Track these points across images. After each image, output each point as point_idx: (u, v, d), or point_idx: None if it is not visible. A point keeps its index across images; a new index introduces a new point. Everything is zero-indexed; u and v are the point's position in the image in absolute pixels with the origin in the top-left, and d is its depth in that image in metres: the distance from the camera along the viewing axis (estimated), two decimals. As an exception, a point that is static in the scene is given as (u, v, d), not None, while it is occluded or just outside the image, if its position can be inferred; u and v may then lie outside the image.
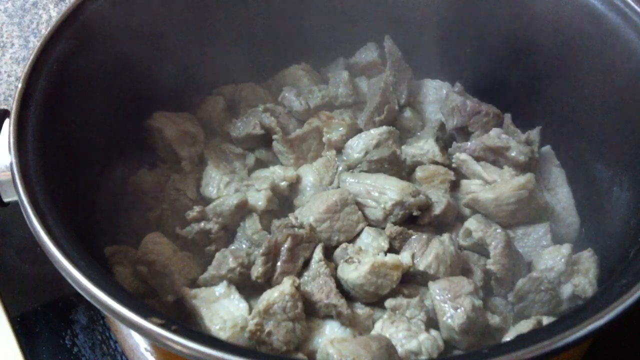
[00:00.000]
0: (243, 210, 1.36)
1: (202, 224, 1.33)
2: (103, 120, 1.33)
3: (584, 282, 1.24)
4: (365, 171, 1.42)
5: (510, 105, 1.55)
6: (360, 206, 1.35)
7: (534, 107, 1.53)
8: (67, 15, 1.27)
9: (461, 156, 1.44)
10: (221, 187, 1.43)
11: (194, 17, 1.49)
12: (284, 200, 1.43)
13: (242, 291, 1.23)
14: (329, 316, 1.21)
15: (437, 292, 1.20)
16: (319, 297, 1.20)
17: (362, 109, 1.58)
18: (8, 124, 1.12)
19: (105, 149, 1.34)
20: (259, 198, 1.36)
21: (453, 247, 1.28)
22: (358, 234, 1.33)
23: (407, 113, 1.58)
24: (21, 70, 1.22)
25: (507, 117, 1.53)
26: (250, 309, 1.19)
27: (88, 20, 1.29)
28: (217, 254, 1.28)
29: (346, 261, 1.26)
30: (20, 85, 1.16)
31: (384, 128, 1.46)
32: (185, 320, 1.22)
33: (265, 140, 1.53)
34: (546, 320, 1.19)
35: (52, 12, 1.93)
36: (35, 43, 1.52)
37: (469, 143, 1.47)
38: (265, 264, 1.23)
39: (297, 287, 1.17)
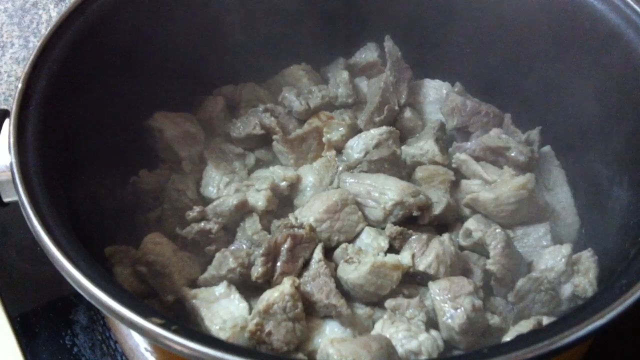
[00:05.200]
0: (243, 210, 1.36)
1: (202, 224, 1.33)
2: (103, 120, 1.33)
3: (584, 282, 1.24)
4: (365, 171, 1.42)
5: (510, 105, 1.55)
6: (360, 206, 1.35)
7: (534, 107, 1.53)
8: (67, 15, 1.27)
9: (461, 156, 1.44)
10: (221, 187, 1.43)
11: (193, 17, 1.49)
12: (284, 200, 1.43)
13: (242, 291, 1.23)
14: (329, 316, 1.21)
15: (437, 292, 1.20)
16: (319, 297, 1.20)
17: (362, 109, 1.58)
18: (8, 124, 1.12)
19: (105, 149, 1.34)
20: (259, 198, 1.36)
21: (453, 247, 1.28)
22: (358, 234, 1.33)
23: (407, 113, 1.58)
24: (21, 70, 1.22)
25: (507, 117, 1.53)
26: (250, 309, 1.19)
27: (88, 20, 1.29)
28: (217, 254, 1.28)
29: (346, 261, 1.26)
30: (20, 85, 1.16)
31: (384, 128, 1.46)
32: (185, 320, 1.22)
33: (265, 140, 1.53)
34: (546, 320, 1.19)
35: (52, 12, 1.93)
36: (35, 43, 1.52)
37: (469, 143, 1.47)
38: (265, 264, 1.23)
39: (297, 287, 1.17)
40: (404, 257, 1.25)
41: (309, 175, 1.45)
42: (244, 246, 1.33)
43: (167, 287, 1.26)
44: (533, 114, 1.53)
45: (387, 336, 1.14)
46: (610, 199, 1.34)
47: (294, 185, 1.44)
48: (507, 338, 1.19)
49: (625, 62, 1.28)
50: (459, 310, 1.16)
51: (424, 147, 1.47)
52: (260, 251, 1.24)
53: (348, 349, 1.05)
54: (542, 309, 1.23)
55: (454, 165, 1.46)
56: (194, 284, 1.28)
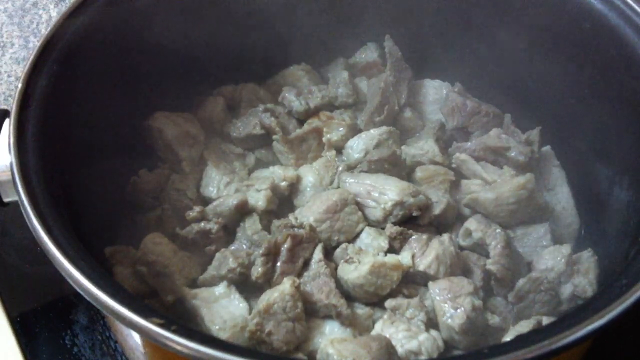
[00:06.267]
0: (243, 210, 1.36)
1: (202, 224, 1.33)
2: (103, 120, 1.33)
3: (584, 282, 1.24)
4: (365, 171, 1.42)
5: (510, 105, 1.55)
6: (360, 206, 1.35)
7: (534, 107, 1.53)
8: (67, 15, 1.27)
9: (461, 156, 1.44)
10: (221, 187, 1.43)
11: (193, 17, 1.49)
12: (284, 200, 1.43)
13: (242, 291, 1.24)
14: (329, 316, 1.21)
15: (437, 292, 1.20)
16: (319, 297, 1.20)
17: (362, 109, 1.58)
18: (8, 124, 1.12)
19: (105, 149, 1.34)
20: (259, 198, 1.36)
21: (453, 248, 1.28)
22: (358, 234, 1.33)
23: (407, 113, 1.58)
24: (21, 70, 1.22)
25: (507, 117, 1.53)
26: (250, 309, 1.19)
27: (88, 20, 1.29)
28: (217, 254, 1.28)
29: (346, 261, 1.26)
30: (20, 85, 1.16)
31: (384, 128, 1.46)
32: (185, 320, 1.22)
33: (265, 140, 1.53)
34: (546, 320, 1.19)
35: (52, 12, 1.93)
36: (35, 43, 1.52)
37: (469, 143, 1.47)
38: (265, 264, 1.23)
39: (297, 287, 1.17)
40: (404, 257, 1.25)
41: (309, 175, 1.45)
42: (244, 246, 1.33)
43: (167, 287, 1.26)
44: (533, 114, 1.53)
45: (387, 336, 1.14)
46: (610, 199, 1.34)
47: (294, 185, 1.44)
48: (507, 338, 1.19)
49: (625, 62, 1.28)
50: (459, 310, 1.16)
51: (424, 147, 1.47)
52: (260, 251, 1.24)
53: (348, 349, 1.05)
54: (542, 309, 1.24)
55: (454, 165, 1.46)
56: (194, 284, 1.28)
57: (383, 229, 1.33)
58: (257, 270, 1.23)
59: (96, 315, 1.45)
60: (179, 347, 0.88)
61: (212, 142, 1.54)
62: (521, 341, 0.91)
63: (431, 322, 1.20)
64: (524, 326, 1.18)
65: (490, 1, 1.50)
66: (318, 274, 1.23)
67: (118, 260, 1.27)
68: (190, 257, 1.31)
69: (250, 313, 1.18)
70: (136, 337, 1.15)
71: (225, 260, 1.26)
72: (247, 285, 1.26)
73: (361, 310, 1.23)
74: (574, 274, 1.26)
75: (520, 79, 1.53)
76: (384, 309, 1.22)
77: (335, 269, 1.27)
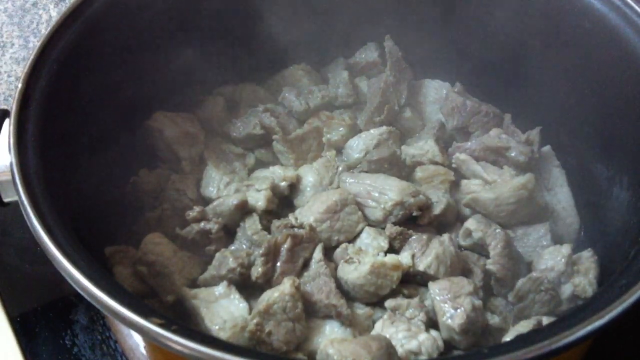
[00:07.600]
0: (243, 210, 1.36)
1: (202, 224, 1.33)
2: (103, 120, 1.33)
3: (584, 282, 1.24)
4: (365, 171, 1.42)
5: (510, 105, 1.55)
6: (360, 206, 1.35)
7: (534, 107, 1.53)
8: (67, 15, 1.27)
9: (461, 156, 1.44)
10: (221, 187, 1.43)
11: (194, 17, 1.49)
12: (284, 200, 1.43)
13: (242, 291, 1.23)
14: (329, 316, 1.21)
15: (437, 292, 1.20)
16: (318, 297, 1.20)
17: (362, 109, 1.58)
18: (8, 124, 1.12)
19: (105, 149, 1.34)
20: (259, 198, 1.36)
21: (453, 248, 1.28)
22: (358, 234, 1.33)
23: (407, 113, 1.58)
24: (21, 70, 1.22)
25: (507, 117, 1.53)
26: (250, 309, 1.19)
27: (88, 20, 1.29)
28: (217, 254, 1.28)
29: (346, 261, 1.26)
30: (20, 85, 1.16)
31: (384, 128, 1.46)
32: (185, 320, 1.22)
33: (265, 140, 1.53)
34: (546, 320, 1.19)
35: (52, 12, 1.93)
36: (35, 43, 1.52)
37: (469, 143, 1.47)
38: (265, 265, 1.23)
39: (297, 287, 1.17)
40: (404, 257, 1.25)
41: (309, 175, 1.45)
42: (244, 246, 1.33)
43: (167, 287, 1.26)
44: (533, 114, 1.53)
45: (387, 336, 1.14)
46: (610, 199, 1.34)
47: (294, 185, 1.44)
48: (507, 338, 1.19)
49: (625, 62, 1.28)
50: (459, 310, 1.16)
51: (424, 147, 1.47)
52: (260, 251, 1.24)
53: (348, 349, 1.05)
54: (542, 309, 1.24)
55: (454, 165, 1.46)
56: (194, 284, 1.28)
57: (383, 229, 1.33)
58: (257, 270, 1.23)
59: (96, 315, 1.45)
60: (179, 347, 0.88)
61: (212, 142, 1.54)
62: (521, 341, 0.91)
63: (431, 322, 1.20)
64: (524, 326, 1.18)
65: (491, 2, 1.50)
66: (318, 274, 1.23)
67: (118, 260, 1.27)
68: (190, 257, 1.31)
69: (250, 313, 1.18)
70: (136, 337, 1.15)
71: (225, 260, 1.26)
72: (247, 285, 1.26)
73: (361, 310, 1.23)
74: (574, 274, 1.26)
75: (520, 79, 1.53)
76: (384, 309, 1.22)
77: (335, 269, 1.27)
